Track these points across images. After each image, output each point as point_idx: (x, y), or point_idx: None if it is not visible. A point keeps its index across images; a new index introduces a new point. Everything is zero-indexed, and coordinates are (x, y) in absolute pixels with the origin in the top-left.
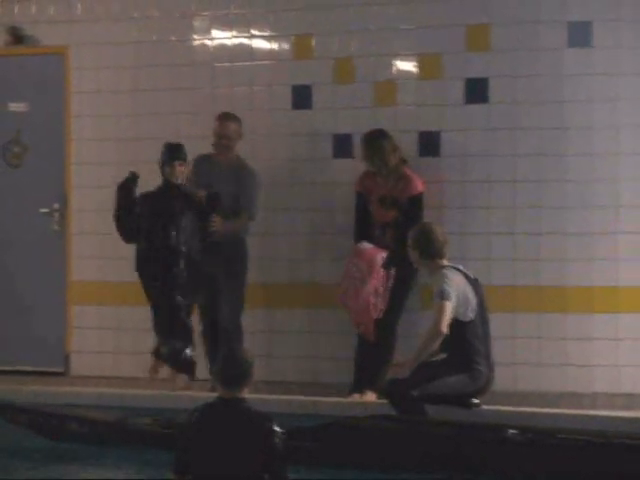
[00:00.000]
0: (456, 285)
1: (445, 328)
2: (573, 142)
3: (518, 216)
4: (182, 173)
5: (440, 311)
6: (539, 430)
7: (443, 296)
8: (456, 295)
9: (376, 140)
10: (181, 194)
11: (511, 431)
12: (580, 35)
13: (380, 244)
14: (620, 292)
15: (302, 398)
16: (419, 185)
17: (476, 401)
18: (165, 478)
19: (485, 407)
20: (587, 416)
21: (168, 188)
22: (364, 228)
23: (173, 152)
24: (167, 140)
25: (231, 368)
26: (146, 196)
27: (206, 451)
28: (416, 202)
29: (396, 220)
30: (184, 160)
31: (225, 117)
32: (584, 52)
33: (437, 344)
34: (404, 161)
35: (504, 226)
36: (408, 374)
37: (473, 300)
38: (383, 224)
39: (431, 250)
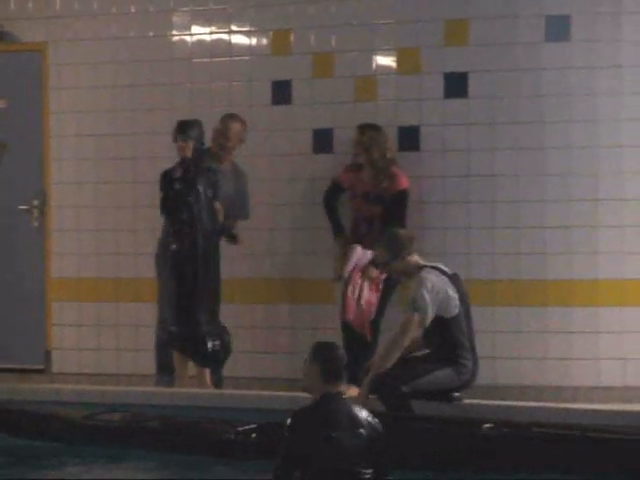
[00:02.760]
0: (434, 287)
1: (407, 342)
2: (552, 136)
3: (498, 210)
4: (182, 150)
5: (407, 323)
6: (518, 424)
7: (415, 307)
8: (433, 300)
9: (376, 131)
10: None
11: (489, 425)
12: (558, 29)
13: (367, 240)
14: (600, 285)
15: (282, 394)
16: (404, 182)
17: (457, 395)
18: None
19: (466, 401)
20: (567, 409)
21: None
22: (339, 219)
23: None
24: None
25: (335, 363)
26: None
27: (314, 449)
28: (400, 198)
29: (382, 214)
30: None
31: (228, 117)
32: (562, 46)
33: (397, 356)
34: (393, 160)
35: (484, 220)
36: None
37: (454, 296)
38: (369, 218)
39: (398, 247)
